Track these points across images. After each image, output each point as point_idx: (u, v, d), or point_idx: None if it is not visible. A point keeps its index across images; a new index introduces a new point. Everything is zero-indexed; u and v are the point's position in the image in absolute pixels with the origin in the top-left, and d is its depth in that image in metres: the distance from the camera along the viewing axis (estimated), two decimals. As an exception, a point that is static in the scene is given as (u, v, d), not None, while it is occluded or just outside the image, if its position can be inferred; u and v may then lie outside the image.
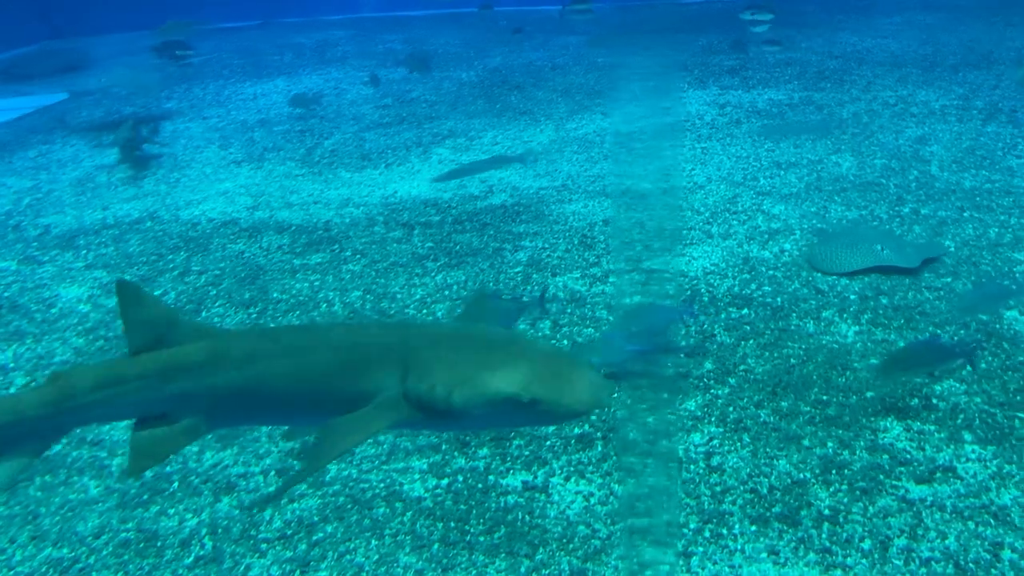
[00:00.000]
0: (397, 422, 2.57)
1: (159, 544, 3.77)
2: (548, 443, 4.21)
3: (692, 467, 3.98)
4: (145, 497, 4.05)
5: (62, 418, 2.65)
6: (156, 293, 6.06)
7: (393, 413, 2.56)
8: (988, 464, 3.89)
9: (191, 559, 3.68)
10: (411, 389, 2.54)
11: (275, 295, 5.91)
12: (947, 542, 3.47)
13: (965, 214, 6.46)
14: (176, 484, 4.12)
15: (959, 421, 4.18)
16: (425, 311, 5.55)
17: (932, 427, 4.15)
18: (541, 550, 3.57)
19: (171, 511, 3.95)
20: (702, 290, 5.55)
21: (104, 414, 2.74)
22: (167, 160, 9.05)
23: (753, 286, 5.58)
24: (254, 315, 5.65)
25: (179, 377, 2.63)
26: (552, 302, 5.47)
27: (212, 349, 2.67)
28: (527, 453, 4.16)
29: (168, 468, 4.21)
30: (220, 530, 3.83)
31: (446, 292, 5.78)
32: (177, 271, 6.42)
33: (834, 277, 5.60)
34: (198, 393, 2.64)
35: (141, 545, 3.77)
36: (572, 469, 4.03)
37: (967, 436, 4.08)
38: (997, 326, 4.94)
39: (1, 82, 13.27)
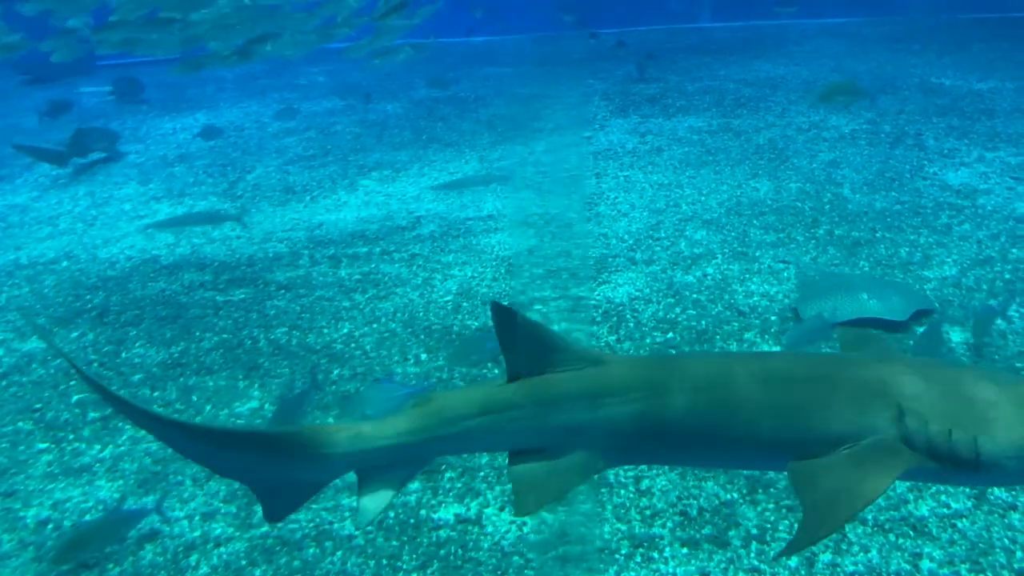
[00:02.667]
0: (905, 472, 2.18)
1: (78, 597, 3.63)
2: (482, 474, 4.20)
3: (622, 491, 4.02)
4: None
5: (429, 446, 2.42)
6: (73, 335, 5.88)
7: (898, 462, 2.15)
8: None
9: (113, 611, 3.55)
10: (915, 432, 2.15)
11: (197, 333, 5.79)
12: (870, 555, 3.57)
13: (877, 234, 6.70)
14: (96, 533, 3.97)
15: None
16: (353, 345, 5.50)
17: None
18: (475, 583, 3.55)
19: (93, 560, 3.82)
20: (627, 316, 5.62)
21: (475, 443, 2.53)
22: (84, 198, 8.82)
23: (677, 310, 5.68)
24: (176, 354, 5.52)
25: (565, 407, 2.39)
26: (483, 330, 5.49)
27: (607, 376, 2.42)
28: (459, 485, 4.14)
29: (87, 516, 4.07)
30: (143, 579, 3.71)
31: (374, 325, 5.74)
32: (95, 311, 6.24)
33: (756, 298, 5.74)
34: (590, 425, 2.38)
35: (59, 599, 3.63)
36: (506, 499, 4.02)
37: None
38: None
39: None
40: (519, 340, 2.43)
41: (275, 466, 2.41)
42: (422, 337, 5.49)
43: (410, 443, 2.41)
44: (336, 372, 5.20)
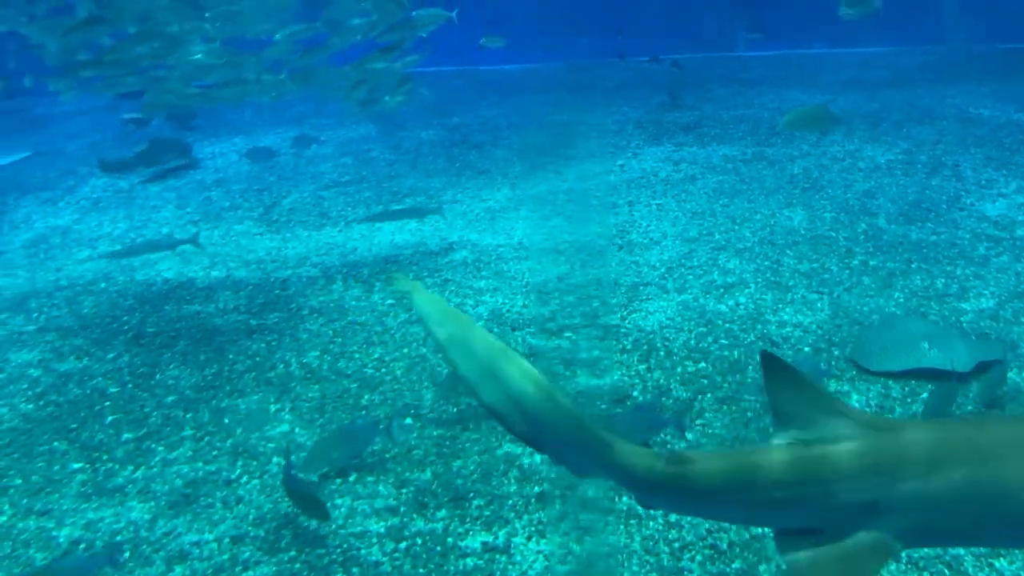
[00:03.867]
0: None
1: (108, 617, 3.66)
2: (510, 502, 4.18)
3: (651, 523, 3.98)
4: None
5: (679, 507, 2.22)
6: (109, 356, 5.97)
7: None
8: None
9: (141, 632, 3.57)
10: None
11: (231, 356, 5.85)
12: (904, 594, 3.50)
13: (913, 265, 6.62)
14: (127, 553, 4.01)
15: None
16: (384, 370, 5.52)
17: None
18: (501, 613, 3.53)
19: (121, 582, 3.85)
20: (658, 345, 5.59)
21: (731, 513, 2.30)
22: (123, 221, 8.99)
23: (709, 339, 5.64)
24: (209, 377, 5.58)
25: (852, 483, 2.07)
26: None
27: (903, 444, 2.09)
28: (487, 513, 4.12)
29: (118, 537, 4.11)
30: (172, 601, 3.73)
31: (405, 350, 5.77)
32: (131, 333, 6.33)
33: (789, 328, 5.69)
34: (887, 504, 2.06)
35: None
36: (534, 529, 4.00)
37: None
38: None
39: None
40: (792, 397, 2.18)
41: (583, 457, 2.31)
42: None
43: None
44: (367, 398, 5.22)
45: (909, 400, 4.83)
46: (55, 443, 4.96)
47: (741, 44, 16.43)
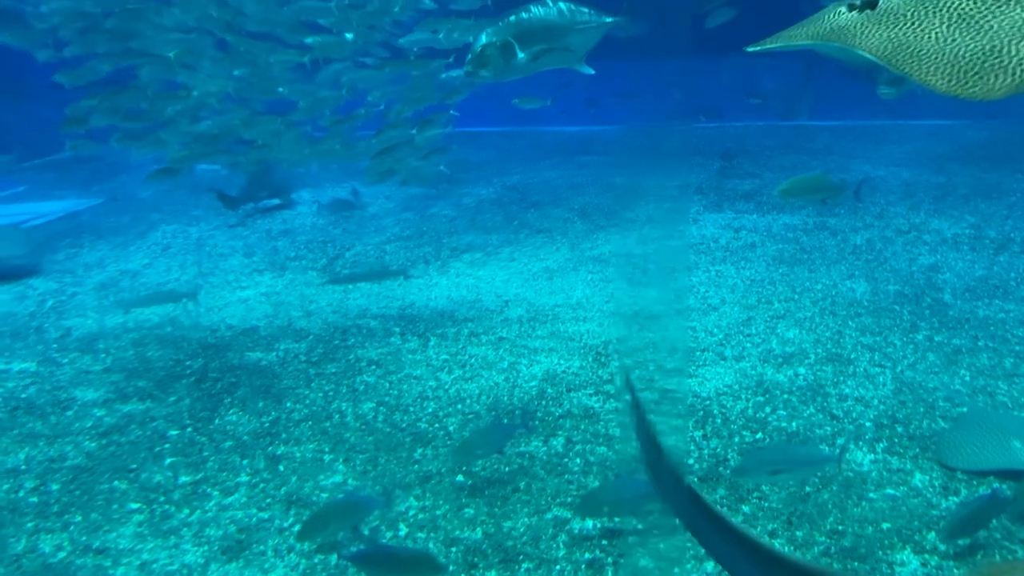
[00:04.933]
0: None
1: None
2: (558, 567, 4.14)
3: (704, 596, 3.89)
4: (146, 609, 3.99)
5: None
6: (171, 399, 6.10)
7: None
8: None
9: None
10: None
11: (288, 404, 5.93)
12: None
13: (980, 343, 6.46)
14: (178, 597, 4.05)
15: (978, 556, 4.09)
16: (436, 425, 5.55)
17: (951, 562, 4.05)
18: None
19: (172, 625, 3.88)
20: (715, 412, 5.53)
21: None
22: (191, 267, 9.24)
23: (767, 409, 5.56)
24: (267, 424, 5.66)
25: None
26: (567, 418, 5.48)
27: None
28: (536, 576, 4.08)
29: (171, 579, 4.16)
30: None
31: (459, 406, 5.79)
32: (194, 377, 6.46)
33: (850, 402, 5.58)
34: None
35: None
36: (581, 594, 3.95)
37: None
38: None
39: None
40: None
41: None
42: (505, 422, 5.50)
43: None
44: (419, 452, 5.24)
45: (975, 482, 4.69)
46: (115, 482, 5.06)
47: (804, 113, 16.44)
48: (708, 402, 5.67)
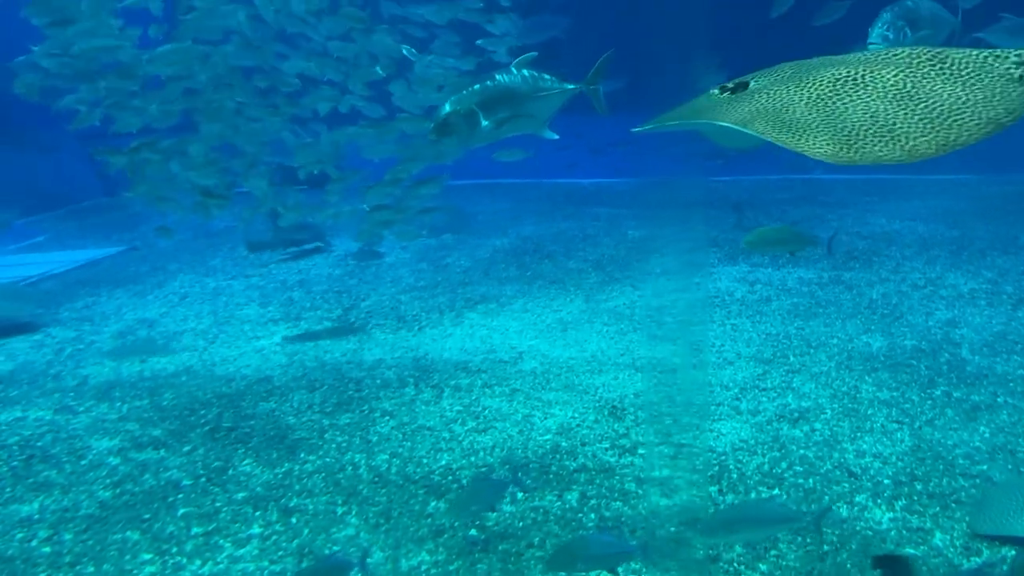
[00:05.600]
0: None
1: None
2: (572, 624, 4.08)
3: (721, 658, 3.82)
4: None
5: None
6: (185, 448, 6.10)
7: None
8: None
9: None
10: None
11: (302, 455, 5.92)
12: None
13: (999, 399, 6.40)
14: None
15: (1002, 620, 4.00)
16: (450, 478, 5.52)
17: (974, 625, 3.97)
18: None
19: None
20: (730, 467, 5.48)
21: None
22: (207, 316, 9.30)
23: (784, 465, 5.50)
24: (280, 475, 5.64)
25: None
26: (582, 472, 5.44)
27: None
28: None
29: (182, 633, 4.11)
30: None
31: (472, 458, 5.76)
32: (208, 427, 6.47)
33: (868, 458, 5.52)
34: None
35: None
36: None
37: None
38: None
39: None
40: None
41: None
42: (519, 475, 5.46)
43: None
44: (432, 505, 5.20)
45: (997, 543, 4.61)
46: (128, 532, 5.04)
47: (816, 167, 16.49)
48: (724, 457, 5.62)
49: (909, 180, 15.03)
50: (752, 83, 3.29)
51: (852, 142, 2.84)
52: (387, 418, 6.48)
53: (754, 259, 10.51)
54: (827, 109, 2.99)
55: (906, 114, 2.87)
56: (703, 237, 11.65)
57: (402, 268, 10.91)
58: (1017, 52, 2.97)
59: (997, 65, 2.98)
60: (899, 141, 2.86)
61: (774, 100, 3.10)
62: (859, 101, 2.96)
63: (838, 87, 3.07)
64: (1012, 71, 2.91)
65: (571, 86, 6.86)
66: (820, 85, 3.10)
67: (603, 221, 13.13)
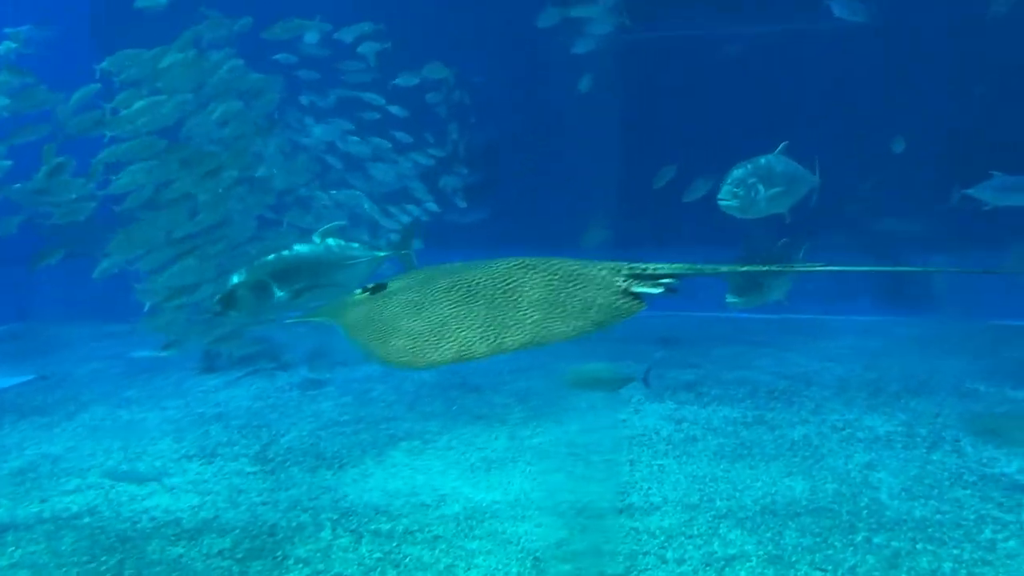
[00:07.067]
0: None
1: None
2: None
3: None
4: None
5: None
6: (80, 601, 5.69)
7: None
8: None
9: None
10: None
11: (208, 609, 5.58)
12: None
13: (918, 546, 6.43)
14: None
15: None
16: (366, 634, 5.24)
17: None
18: None
19: None
20: (657, 622, 5.34)
21: None
22: (117, 452, 8.90)
23: (709, 619, 5.38)
24: (182, 631, 5.29)
25: None
26: None
27: None
28: None
29: None
30: None
31: (390, 612, 5.50)
32: (109, 575, 6.07)
33: (792, 612, 5.44)
34: None
35: None
36: None
37: None
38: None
39: None
40: None
41: None
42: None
43: None
44: (345, 665, 4.92)
45: None
46: None
47: (730, 305, 16.92)
48: (649, 610, 5.48)
49: (825, 321, 15.53)
50: (390, 285, 3.65)
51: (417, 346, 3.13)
52: (300, 565, 6.19)
53: (680, 396, 10.61)
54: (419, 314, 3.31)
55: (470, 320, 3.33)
56: (630, 372, 11.73)
57: (325, 401, 10.68)
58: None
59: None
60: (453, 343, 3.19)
61: (385, 306, 3.48)
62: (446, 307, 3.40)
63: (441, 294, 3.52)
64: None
65: (381, 253, 6.79)
66: (432, 291, 3.54)
67: (533, 353, 13.14)
